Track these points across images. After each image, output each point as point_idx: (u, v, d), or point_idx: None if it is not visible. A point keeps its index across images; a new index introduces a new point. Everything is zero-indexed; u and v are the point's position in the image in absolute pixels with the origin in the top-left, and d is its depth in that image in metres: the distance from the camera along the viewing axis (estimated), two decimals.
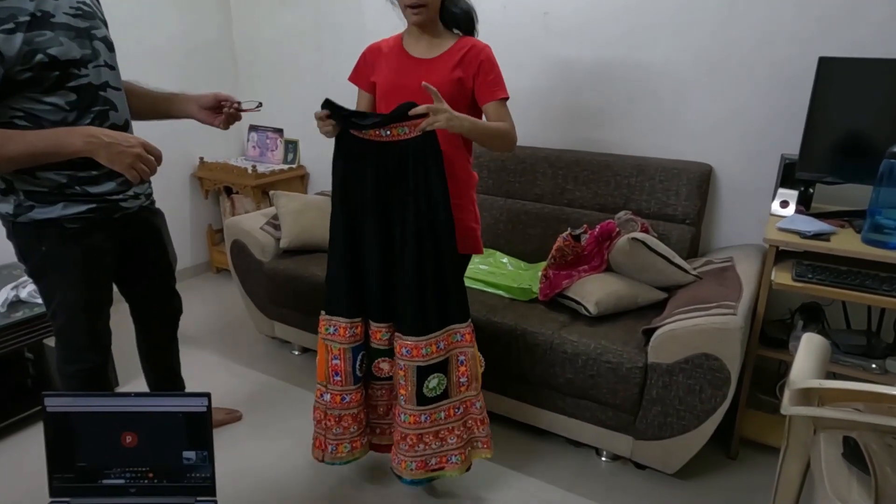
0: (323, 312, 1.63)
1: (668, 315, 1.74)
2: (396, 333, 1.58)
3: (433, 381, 1.57)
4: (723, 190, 2.22)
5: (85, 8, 1.37)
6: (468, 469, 1.67)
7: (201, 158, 3.26)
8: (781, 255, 1.77)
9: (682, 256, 2.03)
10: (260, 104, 1.64)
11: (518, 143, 2.45)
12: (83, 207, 1.40)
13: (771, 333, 1.89)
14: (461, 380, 1.60)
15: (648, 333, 1.73)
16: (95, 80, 1.37)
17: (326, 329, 1.62)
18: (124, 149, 1.30)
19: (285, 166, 3.25)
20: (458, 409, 1.62)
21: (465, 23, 1.62)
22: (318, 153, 3.23)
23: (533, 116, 2.50)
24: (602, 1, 2.26)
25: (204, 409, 1.27)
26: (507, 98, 1.60)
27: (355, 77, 1.73)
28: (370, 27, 2.83)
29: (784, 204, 1.89)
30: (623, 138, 2.35)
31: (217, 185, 3.25)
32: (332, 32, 2.99)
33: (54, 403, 1.25)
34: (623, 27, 2.25)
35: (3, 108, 1.28)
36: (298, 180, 3.30)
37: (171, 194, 3.11)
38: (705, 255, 2.20)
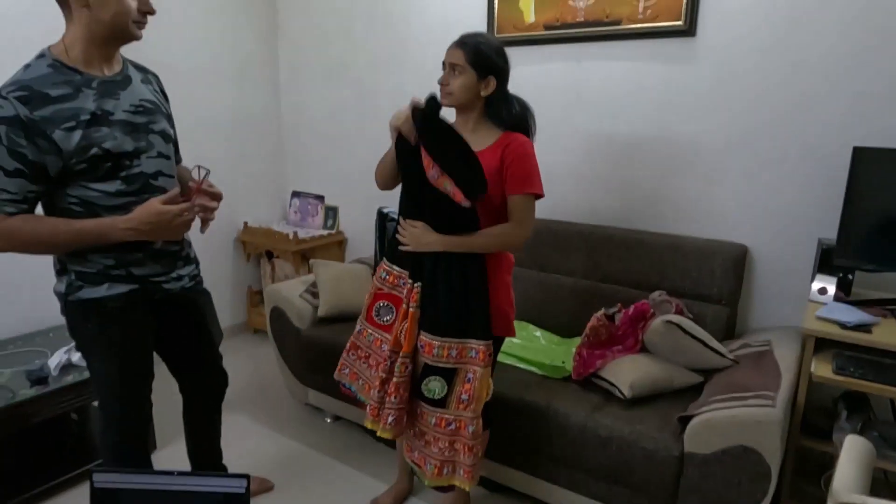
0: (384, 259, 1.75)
1: (704, 402, 1.71)
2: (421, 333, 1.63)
3: (433, 383, 1.61)
4: (759, 271, 2.21)
5: (147, 105, 1.48)
6: (443, 489, 1.70)
7: (245, 223, 3.41)
8: (821, 343, 1.74)
9: (717, 337, 2.02)
10: (202, 168, 1.56)
11: (551, 217, 2.56)
12: (126, 288, 1.48)
13: (813, 422, 1.84)
14: (462, 396, 1.61)
15: (684, 421, 1.71)
16: (147, 169, 1.46)
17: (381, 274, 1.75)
18: (165, 225, 1.40)
19: (325, 232, 3.37)
20: (451, 424, 1.62)
21: (511, 122, 1.66)
22: (357, 219, 3.35)
23: (566, 190, 2.56)
24: (635, 78, 2.34)
25: (242, 490, 1.30)
26: (535, 195, 1.62)
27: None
28: (409, 98, 2.96)
29: (822, 291, 1.87)
30: (656, 215, 2.38)
31: (259, 250, 3.38)
32: (373, 106, 3.15)
33: (102, 479, 1.29)
34: (656, 104, 2.32)
35: (61, 195, 1.38)
36: (337, 245, 3.41)
37: (215, 256, 3.25)
38: (741, 336, 2.17)
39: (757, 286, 2.23)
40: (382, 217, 2.19)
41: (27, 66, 1.33)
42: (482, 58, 1.59)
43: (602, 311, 2.01)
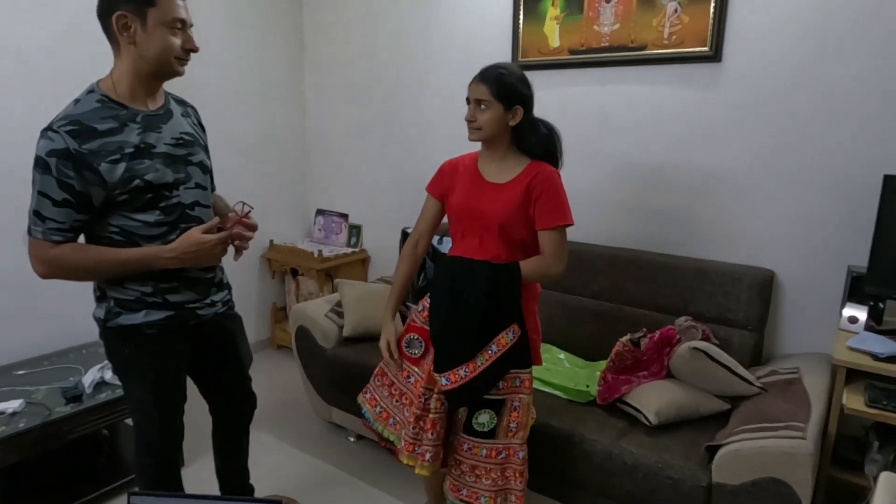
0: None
1: (732, 431, 1.70)
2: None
3: (483, 416, 1.64)
4: (786, 297, 2.20)
5: (186, 137, 1.53)
6: None
7: (271, 241, 3.47)
8: (852, 373, 1.72)
9: (744, 363, 2.00)
10: (247, 205, 1.61)
11: (574, 240, 2.56)
12: (162, 314, 1.52)
13: (844, 453, 1.81)
14: (511, 425, 1.65)
15: (712, 450, 1.69)
16: (185, 199, 1.51)
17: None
18: (206, 253, 1.46)
19: (348, 249, 3.41)
20: (501, 453, 1.66)
21: (543, 153, 1.67)
22: (380, 238, 3.39)
23: (591, 214, 2.57)
24: (659, 103, 2.35)
25: None
26: (566, 225, 1.64)
27: (431, 187, 1.81)
28: (431, 119, 3.02)
29: (853, 319, 1.85)
30: (681, 239, 2.38)
31: (284, 267, 3.43)
32: (396, 126, 3.19)
33: (139, 503, 1.33)
34: (681, 129, 2.32)
35: (103, 224, 1.43)
36: (360, 263, 3.45)
37: (242, 273, 3.30)
38: (769, 363, 2.15)
39: (784, 312, 2.21)
40: (435, 251, 2.19)
41: (77, 101, 1.38)
42: (507, 89, 1.58)
43: (627, 337, 2.01)
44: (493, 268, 1.62)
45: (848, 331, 1.84)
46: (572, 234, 2.57)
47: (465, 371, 1.61)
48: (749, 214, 2.23)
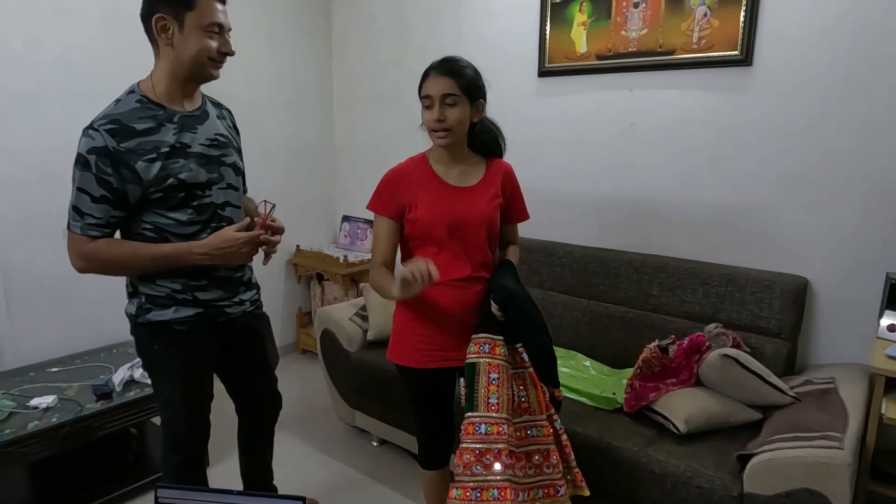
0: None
1: (765, 441, 1.65)
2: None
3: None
4: (821, 304, 2.14)
5: (220, 139, 1.57)
6: None
7: (298, 246, 3.51)
8: (891, 383, 1.66)
9: (777, 373, 1.95)
10: (269, 203, 1.59)
11: (600, 245, 2.54)
12: (191, 311, 1.54)
13: (883, 466, 1.75)
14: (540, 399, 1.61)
15: (743, 459, 1.65)
16: (217, 199, 1.54)
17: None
18: (235, 251, 1.48)
19: None
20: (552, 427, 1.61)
21: (493, 147, 1.65)
22: None
23: (617, 219, 2.55)
24: (688, 108, 2.32)
25: None
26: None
27: (378, 206, 1.60)
28: None
29: (892, 328, 1.79)
30: (710, 247, 2.34)
31: (310, 272, 3.46)
32: (422, 133, 3.19)
33: (166, 495, 1.34)
34: (711, 134, 2.29)
35: (137, 221, 1.47)
36: None
37: (268, 278, 3.34)
38: (803, 372, 2.09)
39: (819, 320, 2.15)
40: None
41: (118, 101, 1.43)
42: (471, 81, 1.50)
43: (655, 343, 1.97)
44: (513, 268, 1.65)
45: (887, 339, 1.78)
46: (597, 239, 2.59)
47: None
48: (781, 221, 2.18)
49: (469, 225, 1.56)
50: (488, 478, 1.46)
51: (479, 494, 1.45)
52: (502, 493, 1.44)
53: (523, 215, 1.73)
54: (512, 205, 1.68)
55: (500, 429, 1.48)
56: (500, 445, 1.47)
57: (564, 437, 1.64)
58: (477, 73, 1.55)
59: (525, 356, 1.61)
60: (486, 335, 1.55)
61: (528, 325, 1.55)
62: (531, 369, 1.60)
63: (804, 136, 2.09)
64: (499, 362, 1.52)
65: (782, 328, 2.08)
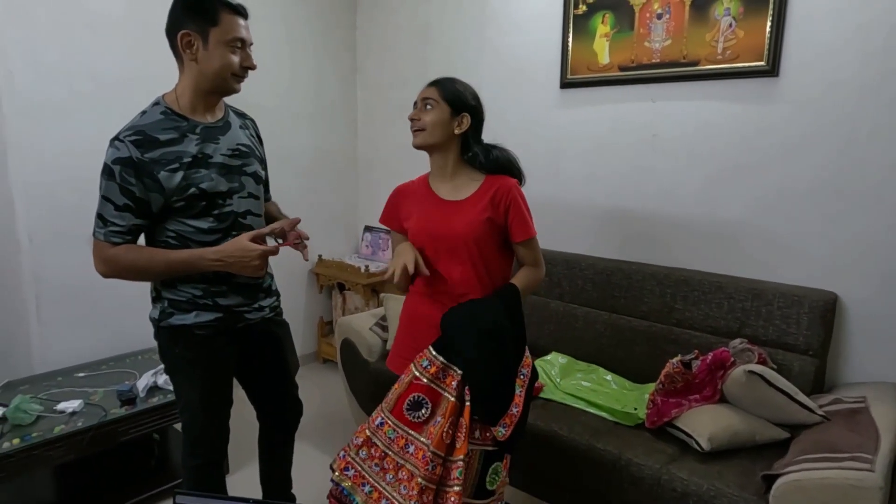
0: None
1: (791, 461, 1.60)
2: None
3: (496, 467, 1.52)
4: (851, 320, 2.07)
5: (242, 149, 1.60)
6: None
7: (320, 256, 3.54)
8: None
9: (805, 391, 1.89)
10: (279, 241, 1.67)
11: (623, 259, 2.51)
12: (212, 316, 1.57)
13: None
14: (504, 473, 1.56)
15: (769, 480, 1.60)
16: (238, 208, 1.57)
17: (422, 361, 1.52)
18: (247, 262, 1.48)
19: None
20: None
21: (507, 166, 1.62)
22: None
23: (639, 232, 2.52)
24: (713, 119, 2.29)
25: None
26: (535, 235, 1.59)
27: (386, 220, 1.74)
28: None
29: None
30: (735, 260, 2.29)
31: (331, 281, 3.49)
32: None
33: (185, 501, 1.36)
34: (736, 145, 2.25)
35: (161, 229, 1.51)
36: None
37: (290, 287, 3.38)
38: (832, 390, 2.02)
39: (849, 337, 2.09)
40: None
41: (143, 113, 1.48)
42: (456, 94, 1.56)
43: (678, 358, 1.94)
44: (501, 296, 1.54)
45: None
46: (618, 251, 2.56)
47: (515, 408, 1.47)
48: (809, 235, 2.13)
49: (450, 238, 1.55)
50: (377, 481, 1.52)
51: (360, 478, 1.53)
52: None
53: (526, 232, 1.57)
54: (509, 220, 1.56)
55: (420, 456, 1.45)
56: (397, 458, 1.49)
57: (457, 488, 1.43)
58: (469, 93, 1.60)
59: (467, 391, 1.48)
60: (436, 354, 1.50)
61: (461, 338, 1.47)
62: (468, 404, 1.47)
63: (832, 147, 2.05)
64: (426, 383, 1.48)
65: (810, 345, 2.02)
